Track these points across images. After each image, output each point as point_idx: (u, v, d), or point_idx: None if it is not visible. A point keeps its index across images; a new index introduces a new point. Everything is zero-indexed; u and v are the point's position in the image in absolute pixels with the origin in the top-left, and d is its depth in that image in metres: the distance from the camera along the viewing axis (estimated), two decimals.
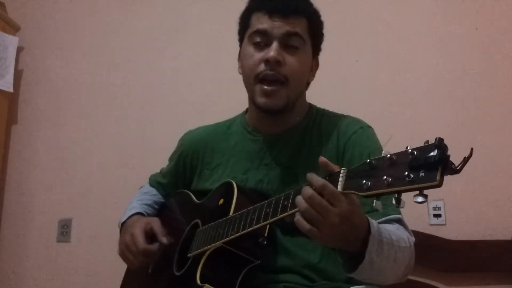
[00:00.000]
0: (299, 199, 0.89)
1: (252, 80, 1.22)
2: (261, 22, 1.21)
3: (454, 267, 2.03)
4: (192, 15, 2.57)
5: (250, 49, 1.23)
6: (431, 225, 2.11)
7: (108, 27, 2.64)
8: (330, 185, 0.85)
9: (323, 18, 1.30)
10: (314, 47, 1.29)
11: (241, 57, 1.30)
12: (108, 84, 2.57)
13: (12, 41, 2.56)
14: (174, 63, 2.53)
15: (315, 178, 0.87)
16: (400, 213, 1.15)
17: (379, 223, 1.08)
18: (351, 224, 0.88)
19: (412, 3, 2.36)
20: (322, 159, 0.89)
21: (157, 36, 2.58)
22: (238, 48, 1.34)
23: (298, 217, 0.90)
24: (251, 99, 1.26)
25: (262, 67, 1.19)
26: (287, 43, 1.20)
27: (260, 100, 1.21)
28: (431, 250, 2.02)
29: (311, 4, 1.28)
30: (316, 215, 0.86)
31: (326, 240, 0.90)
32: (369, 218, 0.95)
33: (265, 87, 1.19)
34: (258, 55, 1.21)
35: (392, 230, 1.05)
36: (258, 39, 1.21)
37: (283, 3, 1.21)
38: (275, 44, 1.18)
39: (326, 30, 1.32)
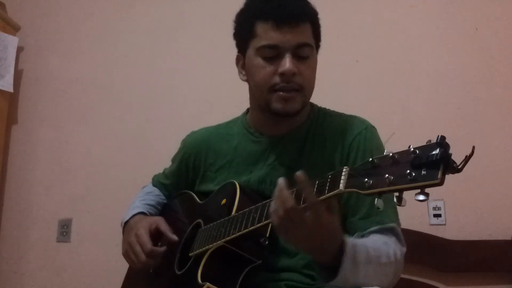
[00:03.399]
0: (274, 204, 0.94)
1: (266, 91, 1.20)
2: (270, 35, 1.18)
3: (454, 267, 2.03)
4: (192, 15, 2.57)
5: (259, 61, 1.21)
6: (431, 225, 2.12)
7: (108, 27, 2.64)
8: (296, 207, 0.89)
9: (323, 18, 1.29)
10: (317, 47, 1.29)
11: (248, 67, 1.26)
12: (108, 84, 2.57)
13: (12, 41, 2.56)
14: (174, 63, 2.54)
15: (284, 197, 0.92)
16: (394, 221, 1.15)
17: (373, 232, 1.11)
18: (315, 240, 0.92)
19: (412, 3, 2.37)
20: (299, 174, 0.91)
21: (157, 36, 2.58)
22: None
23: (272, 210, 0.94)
24: (264, 106, 1.24)
25: (276, 79, 1.18)
26: (298, 53, 1.19)
27: (277, 105, 1.20)
28: (431, 250, 2.03)
29: (311, 5, 1.27)
30: (287, 223, 0.91)
31: (290, 240, 0.95)
32: (346, 239, 0.96)
33: (283, 93, 1.19)
34: (271, 68, 1.19)
35: (374, 246, 1.05)
36: (268, 53, 1.19)
37: (289, 12, 1.18)
38: (288, 57, 1.17)
39: (327, 30, 1.32)
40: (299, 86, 1.19)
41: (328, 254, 0.95)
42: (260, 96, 1.24)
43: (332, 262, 0.95)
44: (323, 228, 0.90)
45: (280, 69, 1.17)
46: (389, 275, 1.07)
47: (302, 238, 0.92)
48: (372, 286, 1.03)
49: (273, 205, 0.94)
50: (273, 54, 1.19)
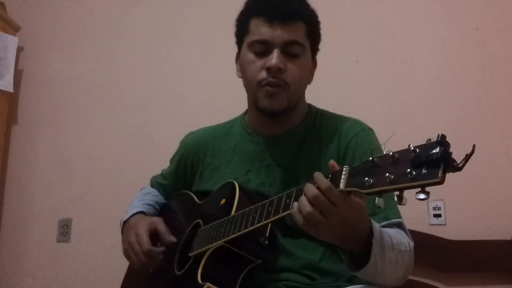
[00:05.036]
0: (303, 200, 0.89)
1: (255, 86, 1.22)
2: (261, 31, 1.20)
3: (454, 267, 2.03)
4: (193, 16, 2.57)
5: (250, 56, 1.23)
6: (431, 225, 2.11)
7: (108, 27, 2.64)
8: (334, 188, 0.86)
9: (323, 18, 1.30)
10: (313, 49, 1.29)
11: (241, 62, 1.29)
12: (108, 84, 2.57)
13: (12, 41, 2.56)
14: (174, 63, 2.53)
15: (322, 179, 0.88)
16: (400, 217, 1.16)
17: (380, 227, 1.10)
18: (350, 224, 0.90)
19: (412, 3, 2.37)
20: (331, 162, 0.90)
21: (157, 36, 2.58)
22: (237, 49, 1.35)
23: (294, 210, 0.91)
24: (254, 103, 1.26)
25: (263, 74, 1.20)
26: (287, 51, 1.20)
27: (264, 102, 1.21)
28: (431, 250, 2.03)
29: (308, 6, 1.28)
30: (318, 216, 0.88)
31: (322, 237, 0.93)
32: (373, 221, 0.96)
33: (269, 88, 1.20)
34: (259, 62, 1.21)
35: (393, 234, 1.06)
36: (258, 48, 1.21)
37: (282, 9, 1.20)
38: (276, 52, 1.19)
39: (327, 30, 1.32)
40: (284, 82, 1.20)
41: (360, 238, 0.94)
42: (250, 92, 1.27)
43: (361, 248, 0.95)
44: (352, 209, 0.88)
45: (267, 64, 1.19)
46: (405, 264, 1.07)
47: (336, 223, 0.88)
48: (394, 274, 1.03)
49: (303, 198, 0.90)
50: (263, 49, 1.21)
